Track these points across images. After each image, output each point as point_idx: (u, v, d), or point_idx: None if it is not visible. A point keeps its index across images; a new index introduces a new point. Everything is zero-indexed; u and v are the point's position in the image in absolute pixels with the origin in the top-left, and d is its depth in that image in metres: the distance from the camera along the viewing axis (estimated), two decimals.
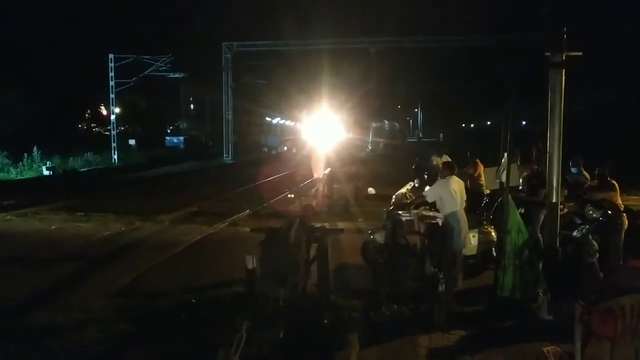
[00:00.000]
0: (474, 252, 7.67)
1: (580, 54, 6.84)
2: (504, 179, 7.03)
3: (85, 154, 31.18)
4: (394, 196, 8.45)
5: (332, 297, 6.45)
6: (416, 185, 8.51)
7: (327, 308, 6.09)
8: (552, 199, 6.76)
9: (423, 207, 7.91)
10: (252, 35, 33.20)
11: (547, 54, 6.80)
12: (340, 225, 10.99)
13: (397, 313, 6.27)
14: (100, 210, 13.48)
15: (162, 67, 34.44)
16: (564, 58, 6.75)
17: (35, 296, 7.08)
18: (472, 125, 74.20)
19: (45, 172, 25.50)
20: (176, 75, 36.64)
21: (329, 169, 13.63)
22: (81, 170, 28.14)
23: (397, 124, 65.07)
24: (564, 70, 6.77)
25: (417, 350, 5.42)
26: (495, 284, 6.63)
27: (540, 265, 6.64)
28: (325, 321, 5.86)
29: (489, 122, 61.16)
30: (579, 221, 7.56)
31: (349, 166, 16.60)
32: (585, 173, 9.17)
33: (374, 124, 46.22)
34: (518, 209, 6.97)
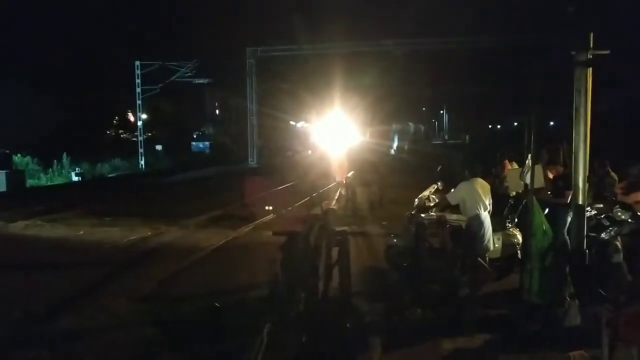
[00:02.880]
0: (498, 255, 7.56)
1: (608, 52, 6.70)
2: (528, 180, 6.91)
3: (113, 160, 31.77)
4: (416, 199, 8.38)
5: (354, 300, 6.42)
6: (439, 187, 8.41)
7: (349, 312, 6.06)
8: (578, 200, 6.63)
9: (446, 210, 7.82)
10: (276, 41, 33.36)
11: (572, 52, 6.67)
12: (363, 229, 10.96)
13: (421, 317, 6.21)
14: (127, 215, 13.70)
15: (188, 73, 34.87)
16: (589, 57, 6.62)
17: (63, 301, 7.20)
18: (498, 127, 73.23)
19: (75, 178, 26.04)
20: (201, 81, 37.05)
21: (351, 172, 13.60)
22: (109, 175, 28.67)
23: (422, 126, 64.59)
24: (590, 70, 6.63)
25: (441, 354, 5.35)
26: (520, 288, 6.51)
27: (567, 269, 6.51)
28: (348, 325, 5.83)
29: (515, 123, 60.35)
30: (607, 223, 7.39)
31: (372, 170, 16.52)
32: (613, 174, 8.97)
33: (394, 126, 45.86)
34: (543, 211, 6.85)
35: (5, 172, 21.23)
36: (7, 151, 23.16)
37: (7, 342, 5.78)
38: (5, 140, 25.16)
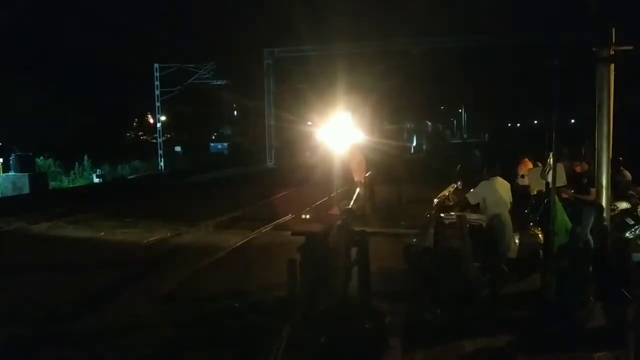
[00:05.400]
0: (519, 254, 7.46)
1: (631, 48, 6.59)
2: (549, 179, 6.82)
3: (133, 162, 32.07)
4: (435, 199, 8.32)
5: (374, 301, 6.38)
6: (459, 187, 8.34)
7: (368, 312, 6.02)
8: (601, 198, 6.52)
9: (466, 210, 7.75)
10: (293, 41, 33.38)
11: (594, 49, 6.58)
12: (381, 229, 10.91)
13: (441, 317, 6.15)
14: (147, 217, 13.82)
15: (205, 74, 35.07)
16: (612, 53, 6.51)
17: (84, 301, 7.30)
18: (518, 125, 72.49)
19: (96, 180, 26.34)
20: (219, 83, 37.21)
21: (369, 172, 13.54)
22: (129, 177, 28.93)
23: (440, 125, 64.19)
24: (612, 66, 6.53)
25: (461, 355, 5.30)
26: (542, 288, 6.43)
27: (590, 268, 6.40)
28: (367, 326, 5.80)
29: (535, 121, 59.67)
30: (632, 222, 7.27)
31: (390, 170, 16.47)
32: (626, 172, 8.81)
33: (408, 125, 45.57)
34: (566, 210, 6.75)
35: (28, 175, 21.55)
36: (30, 154, 23.50)
37: (30, 342, 5.86)
38: (28, 143, 25.55)
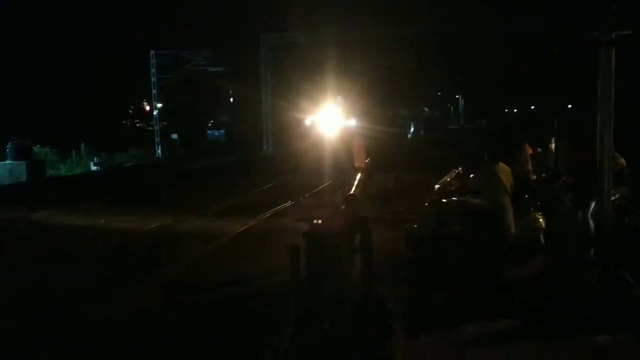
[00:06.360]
0: (520, 240, 7.47)
1: (630, 32, 6.56)
2: (551, 164, 6.83)
3: (130, 149, 31.98)
4: (436, 185, 8.31)
5: (377, 287, 6.41)
6: (460, 172, 8.32)
7: (371, 298, 6.05)
8: (603, 184, 6.53)
9: (468, 195, 7.74)
10: (290, 27, 33.15)
11: (596, 33, 6.54)
12: (382, 214, 10.92)
13: (443, 302, 6.18)
14: (146, 204, 13.82)
15: (202, 61, 34.87)
16: (613, 37, 6.48)
17: (86, 289, 7.29)
18: (515, 111, 72.39)
19: (93, 168, 26.27)
20: (215, 70, 37.02)
21: (368, 159, 13.51)
22: (127, 165, 28.86)
23: (437, 111, 64.10)
24: (613, 51, 6.50)
25: (464, 340, 5.33)
26: (544, 272, 6.46)
27: (592, 252, 6.44)
28: (370, 311, 5.83)
29: (532, 107, 59.60)
30: (632, 206, 7.28)
31: (389, 156, 16.46)
32: (620, 158, 8.81)
33: (402, 111, 45.44)
34: (567, 195, 6.76)
35: (26, 163, 21.47)
36: (27, 142, 23.41)
37: (33, 332, 5.85)
38: (24, 132, 25.40)
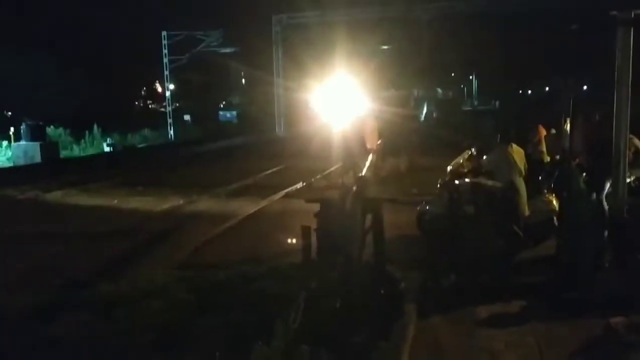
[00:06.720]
0: (533, 221, 7.43)
1: None
2: (566, 145, 6.75)
3: (143, 131, 32.09)
4: (449, 166, 8.27)
5: (388, 268, 6.41)
6: (473, 153, 8.27)
7: (383, 278, 6.05)
8: (618, 165, 6.45)
9: (481, 176, 7.70)
10: (303, 7, 32.87)
11: (614, 12, 6.41)
12: (394, 196, 10.91)
13: (455, 284, 6.18)
14: (158, 185, 13.90)
15: (214, 42, 34.73)
16: (632, 16, 6.35)
17: (100, 268, 7.39)
18: (529, 92, 71.50)
19: (106, 149, 26.43)
20: (227, 51, 36.88)
21: (380, 140, 13.48)
22: (139, 146, 28.99)
23: (450, 92, 63.42)
24: (632, 30, 6.38)
25: (476, 321, 5.34)
26: (557, 254, 6.42)
27: (606, 234, 6.39)
28: (382, 291, 5.84)
29: (547, 88, 58.85)
30: None
31: (401, 137, 16.36)
32: (635, 140, 8.69)
33: (416, 92, 44.96)
34: (581, 176, 6.70)
35: (40, 144, 21.64)
36: (41, 123, 23.57)
37: (49, 308, 5.95)
38: (38, 113, 25.61)
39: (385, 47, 34.38)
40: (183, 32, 33.34)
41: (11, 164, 21.37)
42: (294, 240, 7.04)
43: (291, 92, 36.48)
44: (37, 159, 21.27)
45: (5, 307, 6.04)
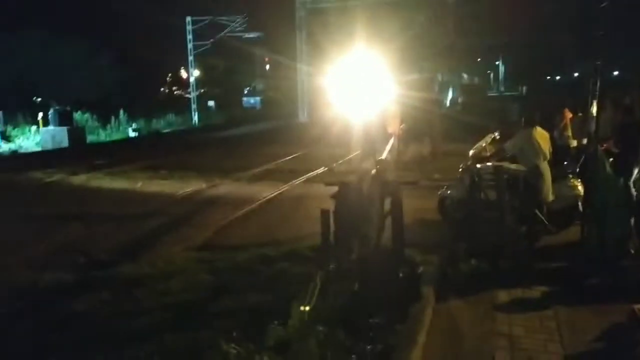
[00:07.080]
0: (558, 206, 7.28)
1: None
2: (592, 129, 6.57)
3: (167, 116, 32.40)
4: (472, 150, 8.14)
5: (407, 251, 6.34)
6: (497, 137, 8.12)
7: (401, 262, 6.00)
8: None
9: (504, 161, 7.56)
10: None
11: None
12: (415, 180, 10.80)
13: (476, 268, 6.09)
14: (182, 169, 14.03)
15: (238, 27, 34.76)
16: None
17: (123, 249, 7.51)
18: (557, 78, 70.00)
19: (132, 134, 26.80)
20: (251, 36, 36.90)
21: (403, 125, 13.36)
22: (164, 131, 29.30)
23: (476, 78, 62.47)
24: None
25: (495, 305, 5.26)
26: (581, 240, 6.28)
27: (632, 221, 6.22)
28: (400, 275, 5.79)
29: (576, 74, 57.53)
30: None
31: (424, 122, 16.19)
32: None
33: (440, 77, 44.23)
34: (608, 161, 6.52)
35: (67, 129, 22.07)
36: (68, 108, 23.99)
37: (73, 286, 6.07)
38: (66, 98, 26.05)
39: (409, 30, 33.88)
40: (207, 17, 33.42)
41: (39, 148, 21.84)
42: (314, 224, 7.02)
43: (314, 77, 36.36)
44: (65, 143, 21.69)
45: (33, 283, 6.21)
